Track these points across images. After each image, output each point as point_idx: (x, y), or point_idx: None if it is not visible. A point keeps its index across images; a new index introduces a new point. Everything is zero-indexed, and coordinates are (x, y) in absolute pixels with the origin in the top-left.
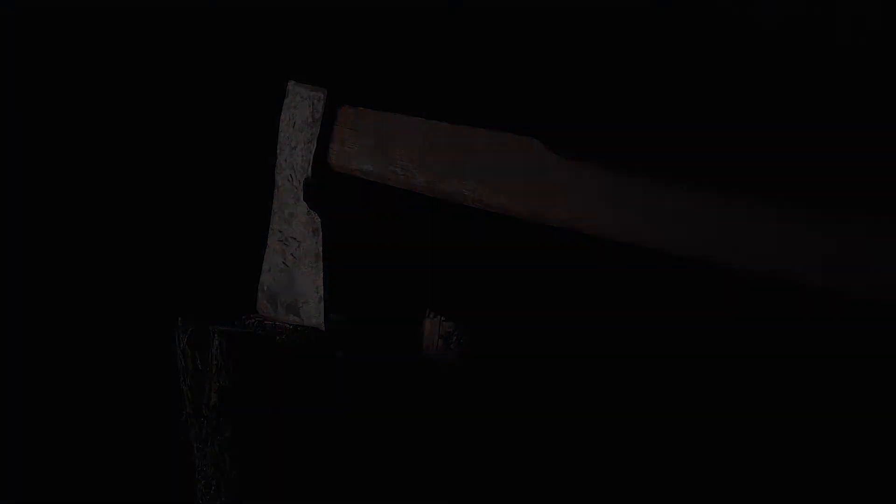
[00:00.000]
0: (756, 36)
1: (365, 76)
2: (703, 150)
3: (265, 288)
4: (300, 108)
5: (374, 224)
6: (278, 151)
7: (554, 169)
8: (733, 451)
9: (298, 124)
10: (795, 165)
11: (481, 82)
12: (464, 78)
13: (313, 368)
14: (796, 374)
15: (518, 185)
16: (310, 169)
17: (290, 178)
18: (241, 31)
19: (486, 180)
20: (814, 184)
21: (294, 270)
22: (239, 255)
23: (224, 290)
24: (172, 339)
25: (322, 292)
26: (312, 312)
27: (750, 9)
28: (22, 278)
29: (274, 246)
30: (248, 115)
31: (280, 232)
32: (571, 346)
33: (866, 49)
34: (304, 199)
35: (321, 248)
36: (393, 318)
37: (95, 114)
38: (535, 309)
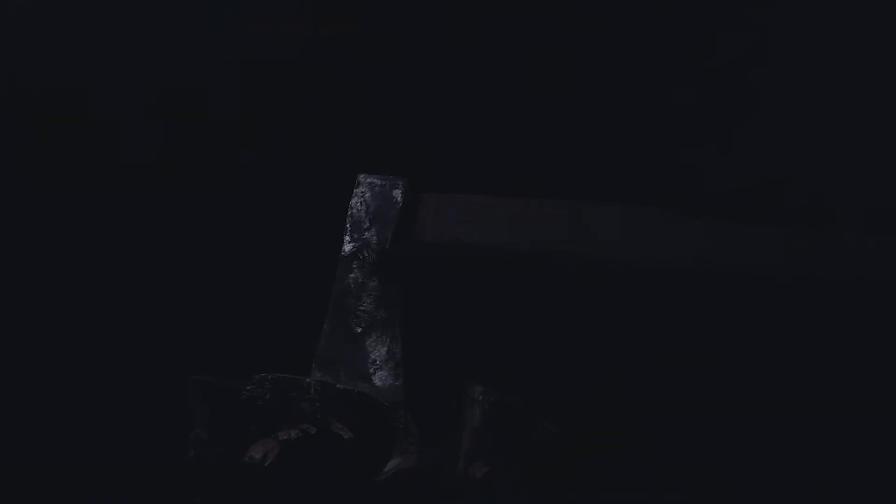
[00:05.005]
0: None
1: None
2: None
3: (325, 356)
4: (376, 195)
5: (450, 295)
6: (349, 233)
7: None
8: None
9: (374, 209)
10: None
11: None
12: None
13: None
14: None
15: None
16: (389, 246)
17: (363, 256)
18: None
19: None
20: None
21: (363, 340)
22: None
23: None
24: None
25: (396, 359)
26: (385, 379)
27: None
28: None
29: (337, 318)
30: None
31: (347, 306)
32: None
33: None
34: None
35: (396, 319)
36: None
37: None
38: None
